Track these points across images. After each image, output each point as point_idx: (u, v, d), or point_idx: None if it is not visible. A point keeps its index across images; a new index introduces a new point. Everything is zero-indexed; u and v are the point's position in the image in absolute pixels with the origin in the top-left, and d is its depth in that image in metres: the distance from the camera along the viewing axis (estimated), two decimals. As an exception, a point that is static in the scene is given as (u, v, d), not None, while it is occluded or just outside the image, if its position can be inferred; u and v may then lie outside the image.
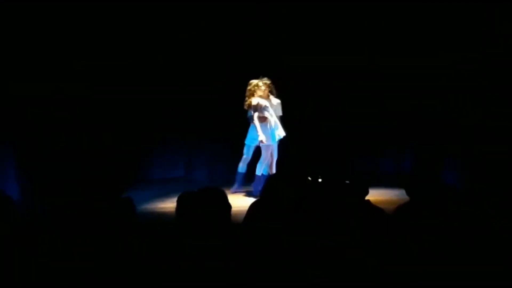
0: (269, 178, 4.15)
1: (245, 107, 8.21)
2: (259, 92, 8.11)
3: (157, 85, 9.54)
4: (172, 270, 2.97)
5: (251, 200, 3.72)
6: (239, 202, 7.06)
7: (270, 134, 8.14)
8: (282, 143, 8.41)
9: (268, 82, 8.17)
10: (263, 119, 8.07)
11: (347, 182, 3.92)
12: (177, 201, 3.32)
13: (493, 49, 8.58)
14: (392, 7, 9.09)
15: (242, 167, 8.36)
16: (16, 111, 7.92)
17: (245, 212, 3.63)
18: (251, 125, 8.22)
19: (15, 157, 8.00)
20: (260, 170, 8.19)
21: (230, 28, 9.60)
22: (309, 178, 4.22)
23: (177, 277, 2.94)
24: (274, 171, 8.21)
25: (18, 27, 7.85)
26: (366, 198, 4.04)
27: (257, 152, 8.37)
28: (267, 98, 8.20)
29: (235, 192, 8.19)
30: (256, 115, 8.05)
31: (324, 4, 9.28)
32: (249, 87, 8.14)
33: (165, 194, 8.16)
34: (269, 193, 3.82)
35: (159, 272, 2.98)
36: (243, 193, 8.31)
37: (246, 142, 8.35)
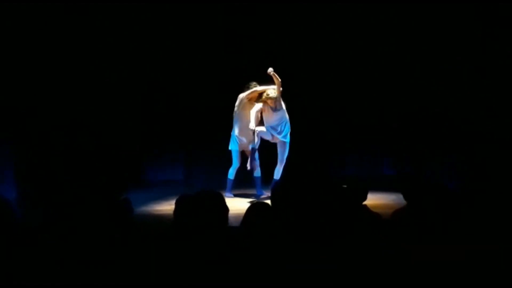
0: (278, 182, 4.15)
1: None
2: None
3: (157, 87, 9.60)
4: (169, 271, 2.98)
5: (248, 203, 3.71)
6: (237, 205, 7.08)
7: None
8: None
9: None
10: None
11: (345, 186, 3.93)
12: (175, 204, 3.32)
13: (493, 49, 8.63)
14: (392, 7, 9.15)
15: (232, 173, 8.36)
16: (15, 112, 7.94)
17: (242, 215, 3.63)
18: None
19: (13, 158, 8.01)
20: (279, 174, 8.21)
21: (232, 31, 9.64)
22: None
23: (174, 278, 2.95)
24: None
25: (16, 27, 7.87)
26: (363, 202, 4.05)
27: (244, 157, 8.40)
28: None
29: (227, 197, 8.13)
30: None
31: (325, 4, 9.32)
32: (258, 88, 8.15)
33: (163, 197, 8.19)
34: (278, 197, 3.82)
35: (156, 273, 2.99)
36: (240, 197, 8.32)
37: (232, 147, 8.33)
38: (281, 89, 7.96)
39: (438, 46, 9.07)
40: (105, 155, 8.99)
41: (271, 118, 8.11)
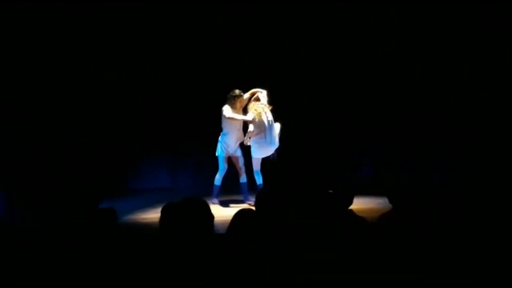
0: (263, 188, 4.17)
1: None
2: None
3: (157, 87, 9.62)
4: (155, 276, 3.02)
5: (234, 210, 3.73)
6: (223, 211, 7.09)
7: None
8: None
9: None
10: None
11: (331, 191, 3.94)
12: (161, 212, 3.35)
13: (493, 49, 8.61)
14: (392, 7, 9.12)
15: (219, 179, 8.31)
16: (15, 112, 7.99)
17: (228, 221, 3.66)
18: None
19: (13, 157, 8.05)
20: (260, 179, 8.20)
21: (232, 31, 9.64)
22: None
23: (160, 279, 2.99)
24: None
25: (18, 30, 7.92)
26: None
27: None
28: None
29: (213, 204, 8.05)
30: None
31: (325, 4, 9.31)
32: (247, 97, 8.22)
33: (148, 205, 8.15)
34: (262, 204, 3.84)
35: (143, 278, 3.02)
36: (226, 203, 8.27)
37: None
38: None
39: (438, 46, 9.04)
40: (105, 155, 9.02)
41: None
